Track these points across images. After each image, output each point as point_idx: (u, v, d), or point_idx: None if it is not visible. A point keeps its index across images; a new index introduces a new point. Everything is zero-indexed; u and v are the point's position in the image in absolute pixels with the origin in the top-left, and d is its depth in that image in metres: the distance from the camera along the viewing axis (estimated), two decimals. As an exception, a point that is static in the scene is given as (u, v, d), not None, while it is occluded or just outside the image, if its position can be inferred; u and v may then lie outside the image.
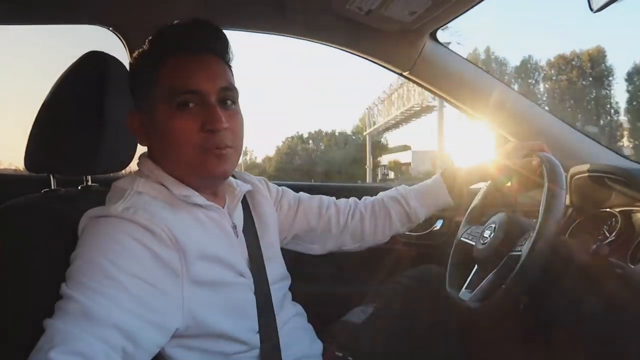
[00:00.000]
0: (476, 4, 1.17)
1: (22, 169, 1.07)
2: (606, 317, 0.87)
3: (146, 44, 0.89)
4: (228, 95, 0.88)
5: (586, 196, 1.13)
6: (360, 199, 1.24)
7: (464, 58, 1.43)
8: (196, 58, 0.86)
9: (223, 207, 0.95)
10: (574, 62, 26.36)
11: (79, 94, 0.98)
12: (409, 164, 25.57)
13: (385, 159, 27.43)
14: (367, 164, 22.45)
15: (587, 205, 1.13)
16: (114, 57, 1.04)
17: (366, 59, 1.47)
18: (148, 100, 0.87)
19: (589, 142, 1.37)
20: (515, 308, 1.02)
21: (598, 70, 25.96)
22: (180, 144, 0.84)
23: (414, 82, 1.47)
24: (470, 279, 1.08)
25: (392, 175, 25.31)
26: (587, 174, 1.09)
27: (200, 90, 0.84)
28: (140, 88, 0.89)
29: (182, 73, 0.85)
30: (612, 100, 26.01)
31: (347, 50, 1.47)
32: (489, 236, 1.04)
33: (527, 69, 27.01)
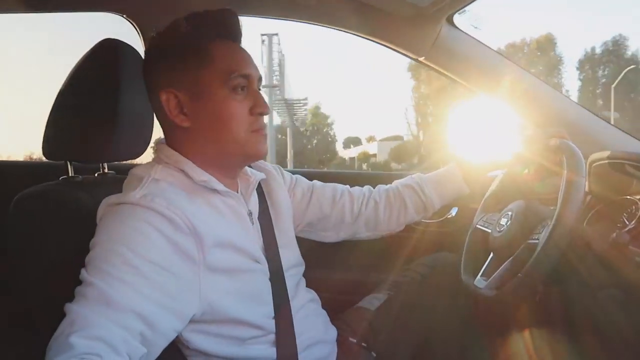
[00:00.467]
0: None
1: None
2: (626, 306, 0.85)
3: (183, 25, 0.89)
4: (259, 84, 0.94)
5: (606, 183, 1.10)
6: (374, 187, 1.23)
7: (482, 43, 1.40)
8: (237, 45, 0.92)
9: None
10: (524, 50, 25.65)
11: (95, 82, 0.99)
12: (375, 154, 25.56)
13: (354, 151, 27.48)
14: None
15: (607, 192, 1.11)
16: (129, 45, 1.04)
17: (380, 44, 1.45)
18: (195, 80, 0.87)
19: (609, 129, 1.33)
20: (531, 297, 1.01)
21: (547, 59, 25.26)
22: (233, 125, 0.88)
23: (429, 67, 1.45)
24: (486, 267, 1.07)
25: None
26: (607, 161, 1.07)
27: (250, 75, 0.90)
28: (180, 68, 0.88)
29: (236, 57, 0.90)
30: (562, 90, 25.38)
31: (361, 35, 1.45)
32: (506, 224, 1.03)
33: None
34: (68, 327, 0.65)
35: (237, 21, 0.93)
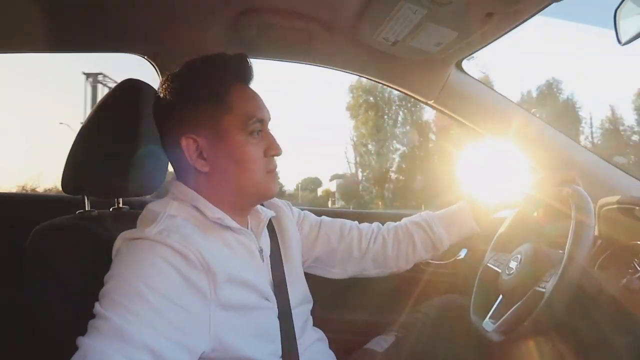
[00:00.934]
0: (501, 36, 1.18)
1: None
2: (637, 352, 0.84)
3: (200, 70, 0.92)
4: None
5: (615, 228, 1.10)
6: (383, 224, 1.24)
7: (489, 87, 1.43)
8: (251, 89, 0.96)
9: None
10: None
11: (115, 120, 1.03)
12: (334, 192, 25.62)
13: (319, 190, 27.68)
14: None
15: (617, 237, 1.11)
16: (149, 85, 1.08)
17: (392, 87, 1.49)
18: (214, 125, 0.90)
19: (618, 173, 1.34)
20: (542, 343, 0.99)
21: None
22: (252, 168, 0.91)
23: (440, 111, 1.48)
24: (495, 309, 1.06)
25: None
26: (616, 206, 1.07)
27: (264, 119, 0.94)
28: (200, 114, 0.90)
29: (251, 102, 0.93)
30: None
31: (374, 79, 1.50)
32: (515, 267, 1.02)
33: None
34: None
35: (251, 65, 0.96)
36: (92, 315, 0.71)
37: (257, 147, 0.92)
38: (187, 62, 0.94)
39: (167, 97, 0.92)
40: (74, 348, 0.67)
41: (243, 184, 0.92)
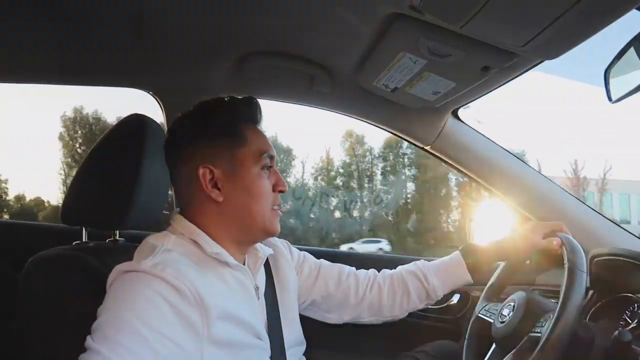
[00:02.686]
0: (497, 87, 1.23)
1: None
2: None
3: (215, 109, 0.98)
4: None
5: (607, 279, 1.11)
6: (379, 269, 1.24)
7: (485, 136, 1.47)
8: (259, 129, 1.01)
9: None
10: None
11: (118, 153, 1.04)
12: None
13: None
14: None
15: (608, 288, 1.12)
16: (153, 120, 1.11)
17: (389, 131, 1.53)
18: (230, 157, 0.94)
19: (610, 225, 1.37)
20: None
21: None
22: (262, 201, 0.95)
23: (435, 156, 1.51)
24: (488, 358, 1.06)
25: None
26: (607, 257, 1.09)
27: (274, 156, 0.99)
28: (218, 147, 0.94)
29: (263, 139, 0.99)
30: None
31: (371, 122, 1.53)
32: (508, 315, 1.02)
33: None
34: None
35: (260, 108, 1.02)
36: (84, 349, 0.70)
37: (268, 182, 0.96)
38: (202, 102, 0.99)
39: (184, 131, 0.97)
40: None
41: (253, 217, 0.94)
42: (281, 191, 0.99)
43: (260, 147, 0.96)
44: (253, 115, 1.00)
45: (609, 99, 0.99)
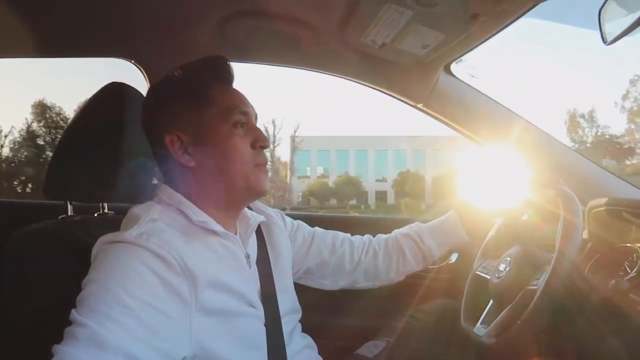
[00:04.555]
0: (488, 39, 1.18)
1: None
2: (627, 355, 0.83)
3: (180, 76, 0.94)
4: (256, 121, 0.98)
5: (605, 230, 1.10)
6: (374, 231, 1.23)
7: (478, 90, 1.43)
8: (231, 87, 0.97)
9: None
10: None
11: (99, 124, 1.01)
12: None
13: None
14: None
15: (606, 239, 1.10)
16: (134, 88, 1.07)
17: (380, 90, 1.49)
18: (197, 121, 0.90)
19: (606, 175, 1.34)
20: (536, 347, 0.98)
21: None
22: (238, 159, 0.90)
23: (428, 114, 1.48)
24: (486, 314, 1.05)
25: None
26: (605, 208, 1.07)
27: (248, 112, 0.93)
28: (182, 112, 0.90)
29: (233, 96, 0.94)
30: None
31: (361, 82, 1.49)
32: (504, 270, 1.02)
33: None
34: None
35: (230, 66, 0.97)
36: (70, 322, 0.69)
37: (243, 139, 0.91)
38: (169, 70, 0.95)
39: (151, 104, 0.94)
40: (50, 355, 0.65)
41: (231, 176, 0.90)
42: (262, 147, 0.94)
43: (228, 103, 0.92)
44: (219, 74, 0.95)
45: (604, 41, 0.95)
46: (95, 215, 1.12)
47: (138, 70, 1.52)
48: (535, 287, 0.88)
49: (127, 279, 0.73)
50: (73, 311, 0.70)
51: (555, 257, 0.86)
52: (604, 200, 1.07)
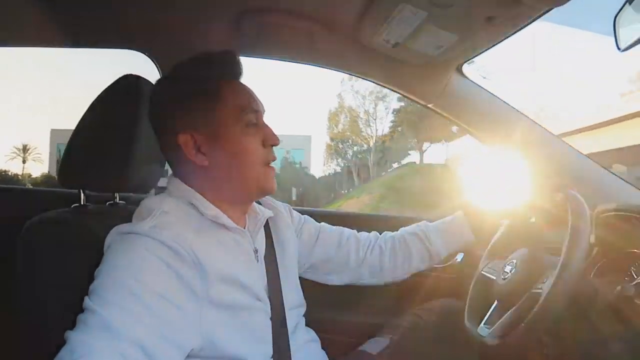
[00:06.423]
0: (502, 41, 1.18)
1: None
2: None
3: (188, 70, 0.93)
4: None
5: (613, 235, 1.10)
6: (380, 229, 1.24)
7: (490, 92, 1.43)
8: (241, 83, 0.96)
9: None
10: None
11: (114, 115, 1.02)
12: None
13: None
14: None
15: (614, 245, 1.10)
16: (149, 81, 1.08)
17: (392, 89, 1.49)
18: (209, 120, 0.90)
19: (616, 181, 1.34)
20: (539, 349, 0.99)
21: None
22: (250, 159, 0.91)
23: (438, 114, 1.48)
24: (490, 315, 1.05)
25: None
26: (613, 213, 1.07)
27: (259, 110, 0.93)
28: (194, 111, 0.90)
29: (243, 94, 0.94)
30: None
31: (373, 80, 1.49)
32: (510, 272, 1.02)
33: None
34: (68, 355, 0.65)
35: (239, 61, 0.97)
36: (82, 310, 0.71)
37: (255, 139, 0.92)
38: (176, 65, 0.95)
39: (159, 99, 0.94)
40: (63, 342, 0.66)
41: (243, 176, 0.92)
42: (273, 145, 0.95)
43: (239, 103, 0.92)
44: (229, 69, 0.95)
45: (618, 47, 0.95)
46: (107, 204, 1.14)
47: (152, 63, 1.53)
48: (540, 291, 0.88)
49: (139, 270, 0.74)
50: (86, 299, 0.72)
51: (562, 262, 0.86)
52: (613, 205, 1.07)
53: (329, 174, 33.28)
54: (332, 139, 33.00)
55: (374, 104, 31.32)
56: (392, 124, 31.47)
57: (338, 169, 33.14)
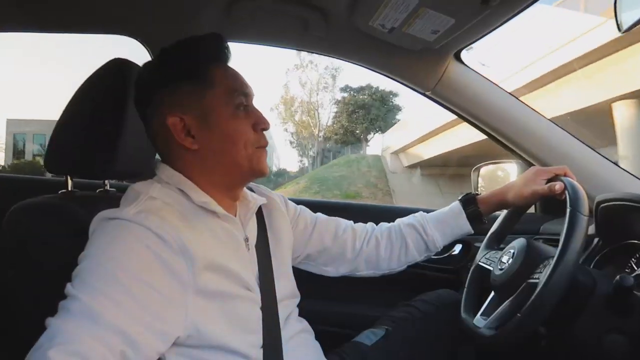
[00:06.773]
0: (499, 25, 1.15)
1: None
2: (629, 352, 0.82)
3: (176, 54, 0.91)
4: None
5: (613, 225, 1.08)
6: (377, 219, 1.22)
7: (488, 80, 1.40)
8: (229, 66, 0.94)
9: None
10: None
11: (101, 100, 1.00)
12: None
13: None
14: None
15: (614, 235, 1.08)
16: (137, 65, 1.06)
17: (388, 76, 1.46)
18: (198, 103, 0.88)
19: (616, 170, 1.31)
20: (534, 339, 0.97)
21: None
22: (241, 142, 0.89)
23: (435, 102, 1.45)
24: (486, 306, 1.04)
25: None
26: (613, 203, 1.05)
27: (249, 93, 0.92)
28: (183, 93, 0.89)
29: (232, 77, 0.92)
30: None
31: (369, 67, 1.47)
32: (507, 262, 1.00)
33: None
34: (48, 341, 0.63)
35: (227, 45, 0.95)
36: (64, 296, 0.69)
37: (245, 122, 0.90)
38: (163, 48, 0.93)
39: (146, 81, 0.92)
40: (41, 326, 0.65)
41: (235, 159, 0.90)
42: (263, 129, 0.93)
43: (229, 85, 0.90)
44: (218, 53, 0.93)
45: (619, 28, 0.93)
46: (97, 191, 1.12)
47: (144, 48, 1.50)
48: (537, 281, 0.86)
49: (123, 256, 0.72)
50: (68, 285, 0.70)
51: (558, 252, 0.84)
52: (613, 195, 1.05)
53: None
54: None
55: (318, 94, 32.81)
56: (334, 114, 32.84)
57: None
